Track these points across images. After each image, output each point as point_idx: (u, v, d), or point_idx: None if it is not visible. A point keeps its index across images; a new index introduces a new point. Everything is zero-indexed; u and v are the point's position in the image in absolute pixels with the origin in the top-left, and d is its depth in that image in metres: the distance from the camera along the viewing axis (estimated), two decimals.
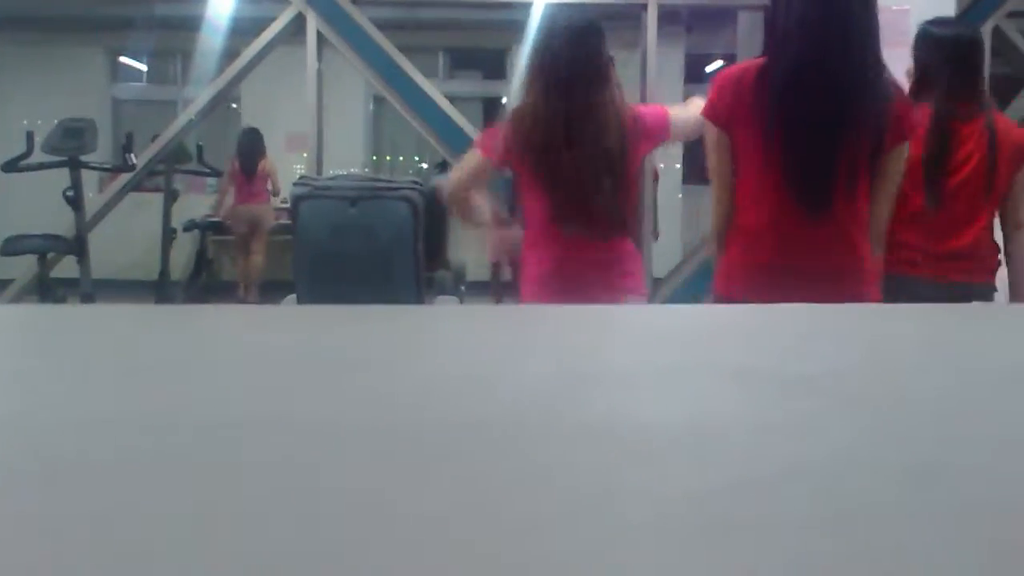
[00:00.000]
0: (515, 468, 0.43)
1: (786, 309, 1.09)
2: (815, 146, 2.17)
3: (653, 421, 0.53)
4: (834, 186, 2.18)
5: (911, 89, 2.74)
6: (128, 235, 8.86)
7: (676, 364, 0.73)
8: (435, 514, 0.37)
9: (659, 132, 2.62)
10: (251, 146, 8.95)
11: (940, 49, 2.84)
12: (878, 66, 2.19)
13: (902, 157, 2.27)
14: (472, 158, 2.66)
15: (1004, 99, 6.79)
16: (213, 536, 0.35)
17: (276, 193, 9.06)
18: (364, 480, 0.41)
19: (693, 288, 5.77)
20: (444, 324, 0.99)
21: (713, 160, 2.30)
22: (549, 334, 0.90)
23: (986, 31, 6.01)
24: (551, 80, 2.53)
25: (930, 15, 5.00)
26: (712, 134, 2.28)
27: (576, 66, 2.53)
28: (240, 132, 9.41)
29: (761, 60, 2.24)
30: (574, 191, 2.50)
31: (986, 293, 2.84)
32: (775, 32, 2.25)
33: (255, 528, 0.35)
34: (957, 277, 2.81)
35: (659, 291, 6.12)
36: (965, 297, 2.69)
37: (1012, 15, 6.11)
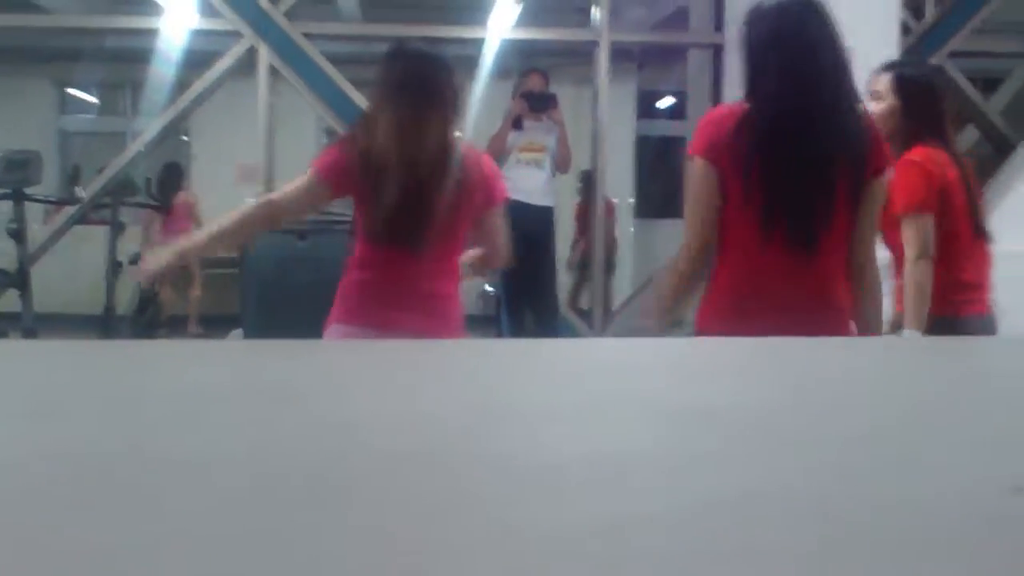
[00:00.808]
0: (429, 501, 0.43)
1: (718, 343, 1.10)
2: (798, 189, 2.21)
3: (564, 455, 0.53)
4: (817, 226, 2.22)
5: (902, 131, 2.80)
6: (73, 269, 8.72)
7: (595, 398, 0.72)
8: (347, 550, 0.36)
9: (490, 194, 2.63)
10: (167, 180, 8.80)
11: (932, 91, 2.93)
12: (854, 103, 2.25)
13: (883, 188, 2.31)
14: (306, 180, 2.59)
15: None
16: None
17: (200, 226, 8.87)
18: (262, 521, 0.40)
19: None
20: (381, 357, 0.98)
21: (697, 192, 2.28)
22: (474, 369, 0.90)
23: None
24: (391, 103, 2.56)
25: (875, 54, 5.13)
26: (699, 167, 2.26)
27: (420, 96, 2.54)
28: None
29: (743, 105, 2.26)
30: (397, 207, 2.50)
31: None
32: (753, 79, 2.28)
33: (166, 564, 0.34)
34: (984, 308, 2.94)
35: (611, 323, 6.14)
36: (990, 326, 2.80)
37: (953, 54, 6.25)
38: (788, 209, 2.21)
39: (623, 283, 7.64)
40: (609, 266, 7.39)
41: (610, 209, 7.35)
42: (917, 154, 2.76)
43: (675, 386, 0.82)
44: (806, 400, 0.74)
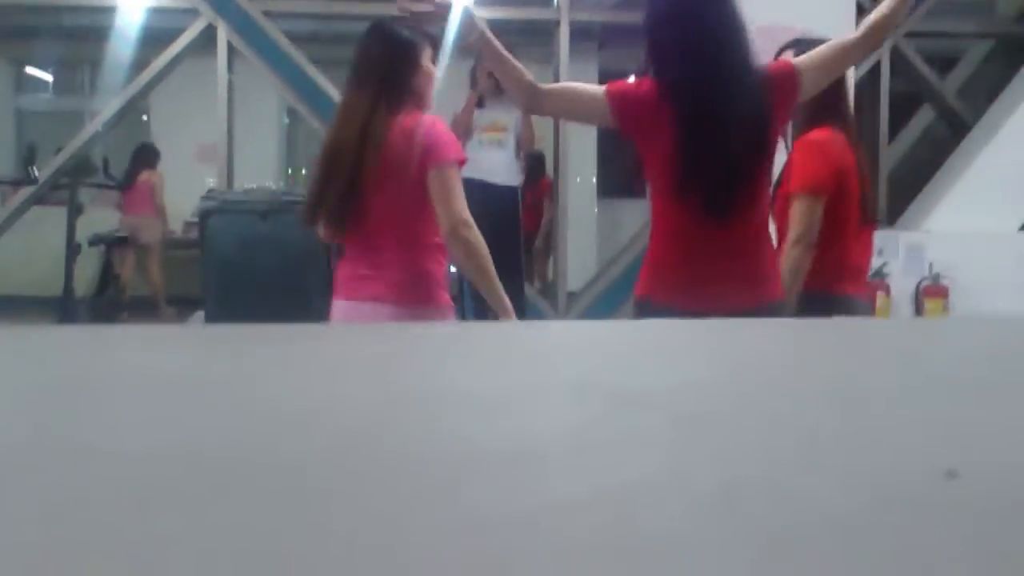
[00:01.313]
0: (338, 496, 0.43)
1: (650, 325, 1.11)
2: (710, 157, 2.28)
3: (477, 443, 0.53)
4: (734, 194, 2.30)
5: (803, 110, 2.81)
6: (31, 250, 8.60)
7: (515, 383, 0.72)
8: (297, 541, 0.37)
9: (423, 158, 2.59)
10: (136, 159, 8.70)
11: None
12: (752, 66, 2.32)
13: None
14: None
15: (904, 115, 7.02)
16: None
17: (159, 209, 8.77)
18: (206, 514, 0.41)
19: (608, 303, 5.83)
20: (340, 342, 0.99)
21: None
22: (391, 354, 0.90)
23: (885, 50, 6.21)
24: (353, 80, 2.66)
25: (831, 35, 5.18)
26: (600, 96, 2.35)
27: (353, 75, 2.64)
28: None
29: (647, 81, 2.34)
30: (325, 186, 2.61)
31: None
32: (653, 54, 2.36)
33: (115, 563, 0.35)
34: (864, 289, 2.98)
35: (574, 305, 6.17)
36: (869, 308, 2.81)
37: (909, 35, 6.32)
38: (699, 178, 2.28)
39: (588, 264, 7.66)
40: (546, 247, 7.29)
41: (545, 188, 7.25)
42: (818, 135, 2.77)
43: (611, 368, 0.82)
44: (737, 382, 0.74)
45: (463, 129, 5.33)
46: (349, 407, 0.62)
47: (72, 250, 7.67)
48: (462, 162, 2.64)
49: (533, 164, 8.19)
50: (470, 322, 2.07)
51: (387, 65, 2.63)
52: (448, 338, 1.11)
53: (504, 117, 5.42)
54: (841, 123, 2.82)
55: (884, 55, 6.21)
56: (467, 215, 2.59)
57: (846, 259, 2.84)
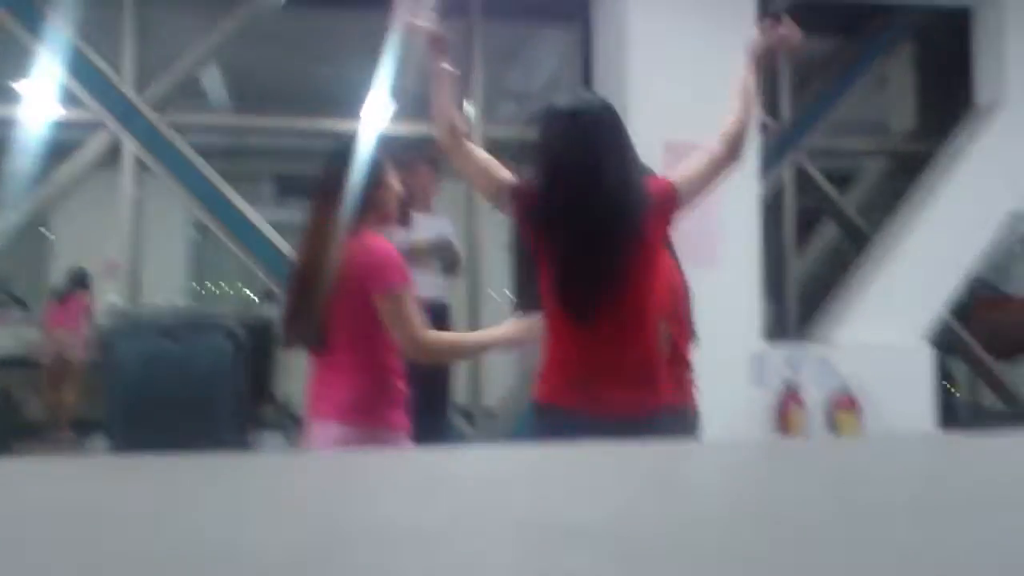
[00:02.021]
0: None
1: (584, 450, 1.09)
2: (581, 264, 2.43)
3: None
4: (604, 299, 2.42)
5: None
6: None
7: (452, 515, 0.70)
8: None
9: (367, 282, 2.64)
10: (70, 280, 8.58)
11: None
12: (635, 180, 2.47)
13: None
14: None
15: (808, 230, 7.22)
16: None
17: (91, 324, 8.62)
18: None
19: (526, 420, 5.74)
20: (240, 474, 0.92)
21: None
22: (321, 485, 0.86)
23: (787, 167, 6.41)
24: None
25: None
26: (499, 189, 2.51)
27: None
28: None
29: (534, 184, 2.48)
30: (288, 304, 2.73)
31: None
32: (540, 164, 2.49)
33: None
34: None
35: (492, 423, 6.08)
36: None
37: (811, 153, 6.54)
38: (570, 283, 2.43)
39: (504, 377, 7.60)
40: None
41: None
42: None
43: (547, 498, 0.79)
44: (671, 511, 0.72)
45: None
46: (267, 546, 0.59)
47: None
48: (406, 283, 2.64)
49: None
50: (403, 449, 2.10)
51: (350, 184, 2.68)
52: (378, 466, 1.05)
53: (430, 238, 5.38)
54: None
55: (787, 171, 6.41)
56: (421, 332, 2.61)
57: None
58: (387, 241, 2.70)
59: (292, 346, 2.72)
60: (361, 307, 2.59)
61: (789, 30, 2.83)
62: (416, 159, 5.59)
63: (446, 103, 2.53)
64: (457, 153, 2.55)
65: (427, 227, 5.37)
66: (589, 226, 2.41)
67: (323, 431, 2.61)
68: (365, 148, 2.79)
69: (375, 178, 2.72)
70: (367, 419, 2.59)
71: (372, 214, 2.68)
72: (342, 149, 2.78)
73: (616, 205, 2.41)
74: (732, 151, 2.63)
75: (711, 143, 2.61)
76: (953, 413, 7.34)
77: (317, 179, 2.74)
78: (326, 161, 2.77)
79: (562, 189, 2.42)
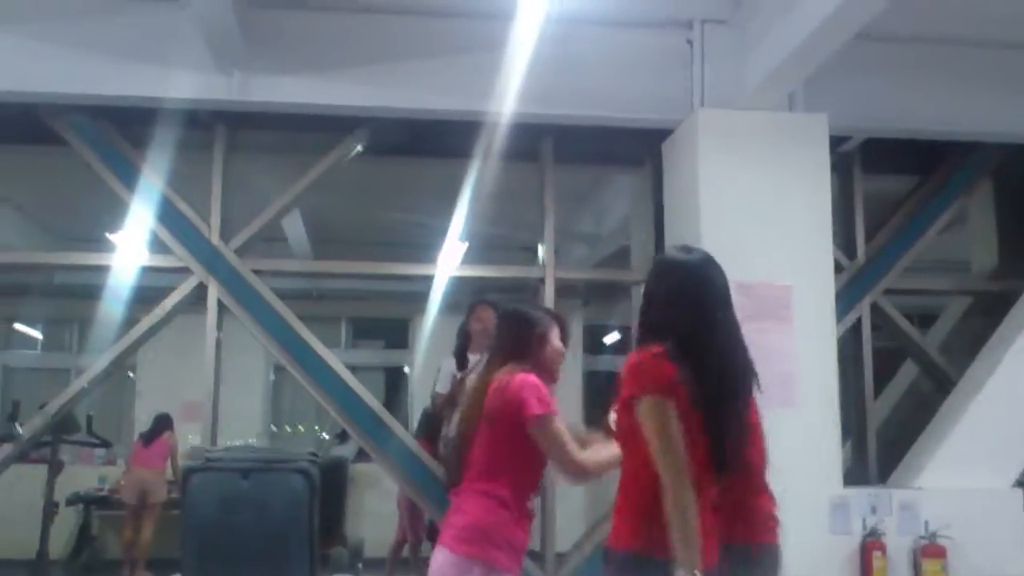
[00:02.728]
0: None
1: None
2: (732, 418, 2.47)
3: None
4: (742, 450, 2.51)
5: None
6: (6, 510, 8.37)
7: None
8: None
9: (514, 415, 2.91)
10: (157, 423, 8.78)
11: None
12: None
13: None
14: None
15: (886, 371, 7.08)
16: None
17: (175, 472, 8.75)
18: None
19: (596, 563, 5.61)
20: None
21: (666, 426, 2.39)
22: None
23: (864, 307, 6.33)
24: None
25: (811, 293, 5.31)
26: (658, 404, 2.40)
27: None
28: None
29: (658, 348, 2.47)
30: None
31: None
32: (669, 325, 2.52)
33: None
34: None
35: (563, 566, 5.95)
36: None
37: (888, 292, 6.46)
38: (727, 440, 2.44)
39: (574, 521, 7.46)
40: None
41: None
42: None
43: None
44: None
45: (442, 405, 5.35)
46: None
47: (49, 510, 7.47)
48: (550, 413, 2.87)
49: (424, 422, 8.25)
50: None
51: (513, 341, 3.05)
52: None
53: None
54: None
55: (865, 311, 6.33)
56: (575, 455, 2.83)
57: None
58: (530, 376, 2.94)
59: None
60: (488, 438, 2.90)
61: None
62: (477, 302, 5.68)
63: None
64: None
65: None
66: (735, 380, 2.50)
67: (441, 556, 2.80)
68: (529, 310, 3.28)
69: (533, 335, 3.13)
70: (473, 551, 2.78)
71: (532, 368, 3.05)
72: (507, 313, 3.25)
73: (746, 357, 2.55)
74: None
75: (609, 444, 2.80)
76: None
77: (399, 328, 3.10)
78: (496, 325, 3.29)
79: (711, 345, 2.48)
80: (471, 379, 5.34)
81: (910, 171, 6.83)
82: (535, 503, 2.95)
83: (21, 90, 5.45)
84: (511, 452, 2.80)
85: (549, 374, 3.01)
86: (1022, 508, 5.58)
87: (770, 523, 2.72)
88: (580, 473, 2.84)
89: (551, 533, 6.02)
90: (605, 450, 2.85)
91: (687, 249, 2.68)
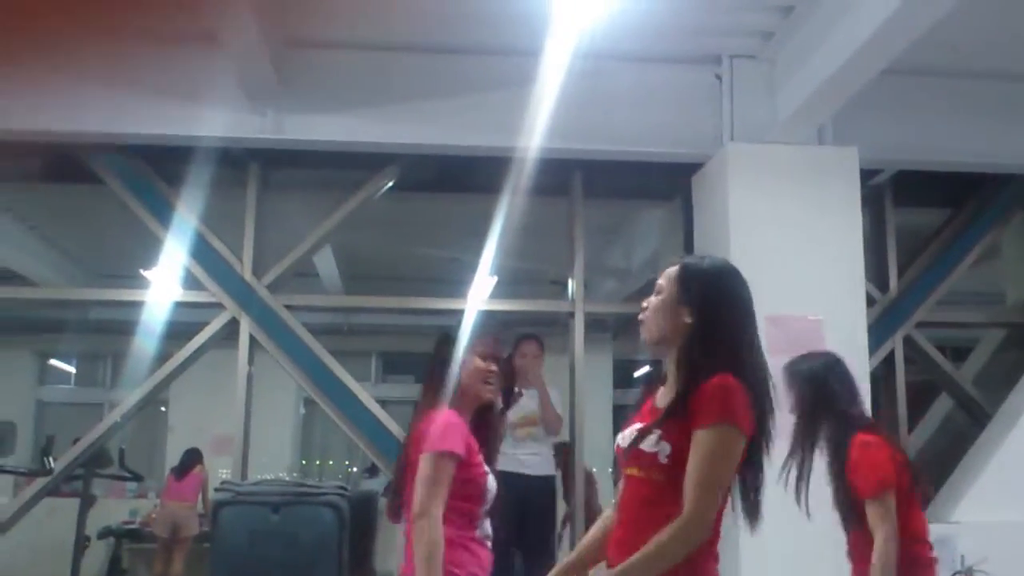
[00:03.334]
0: None
1: None
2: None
3: None
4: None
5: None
6: (38, 543, 8.42)
7: None
8: None
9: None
10: (188, 457, 8.83)
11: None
12: None
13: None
14: None
15: (920, 404, 7.00)
16: None
17: (205, 505, 8.80)
18: None
19: None
20: None
21: (732, 464, 2.17)
22: None
23: (897, 340, 6.28)
24: None
25: (843, 325, 5.27)
26: (740, 442, 2.15)
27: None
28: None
29: (731, 375, 2.17)
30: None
31: None
32: (733, 346, 2.25)
33: None
34: None
35: None
36: None
37: (921, 325, 6.41)
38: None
39: None
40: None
41: (591, 480, 7.26)
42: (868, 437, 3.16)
43: None
44: None
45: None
46: None
47: (81, 543, 7.51)
48: (450, 452, 2.67)
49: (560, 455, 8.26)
50: None
51: (437, 366, 2.88)
52: None
53: (535, 409, 5.44)
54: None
55: (898, 344, 6.28)
56: (435, 508, 2.61)
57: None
58: (453, 413, 2.77)
59: (392, 518, 2.80)
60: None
61: None
62: (522, 336, 5.69)
63: None
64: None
65: (528, 402, 5.42)
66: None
67: None
68: (452, 332, 2.95)
69: (452, 358, 2.85)
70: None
71: (449, 392, 2.82)
72: (448, 333, 2.94)
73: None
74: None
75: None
76: None
77: (426, 362, 2.92)
78: (434, 345, 2.93)
79: (759, 366, 2.25)
80: (509, 414, 5.41)
81: (942, 204, 6.80)
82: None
83: (59, 130, 5.55)
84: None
85: (474, 397, 2.85)
86: None
87: None
88: (421, 519, 2.60)
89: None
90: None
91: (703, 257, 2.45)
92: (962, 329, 7.64)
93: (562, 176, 6.13)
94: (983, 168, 6.21)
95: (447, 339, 2.90)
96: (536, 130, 5.36)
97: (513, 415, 5.41)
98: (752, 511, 2.20)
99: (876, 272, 6.31)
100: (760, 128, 5.55)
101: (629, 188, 6.54)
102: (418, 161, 6.03)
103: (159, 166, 5.99)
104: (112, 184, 5.97)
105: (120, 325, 8.10)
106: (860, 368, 5.34)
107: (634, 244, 8.67)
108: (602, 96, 5.56)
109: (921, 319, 6.37)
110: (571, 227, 6.23)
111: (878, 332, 5.92)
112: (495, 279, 7.88)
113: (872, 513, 2.94)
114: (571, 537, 6.37)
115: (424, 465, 2.62)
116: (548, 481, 5.45)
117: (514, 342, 5.69)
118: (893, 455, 3.04)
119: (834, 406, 3.12)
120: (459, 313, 6.53)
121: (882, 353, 6.16)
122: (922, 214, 6.94)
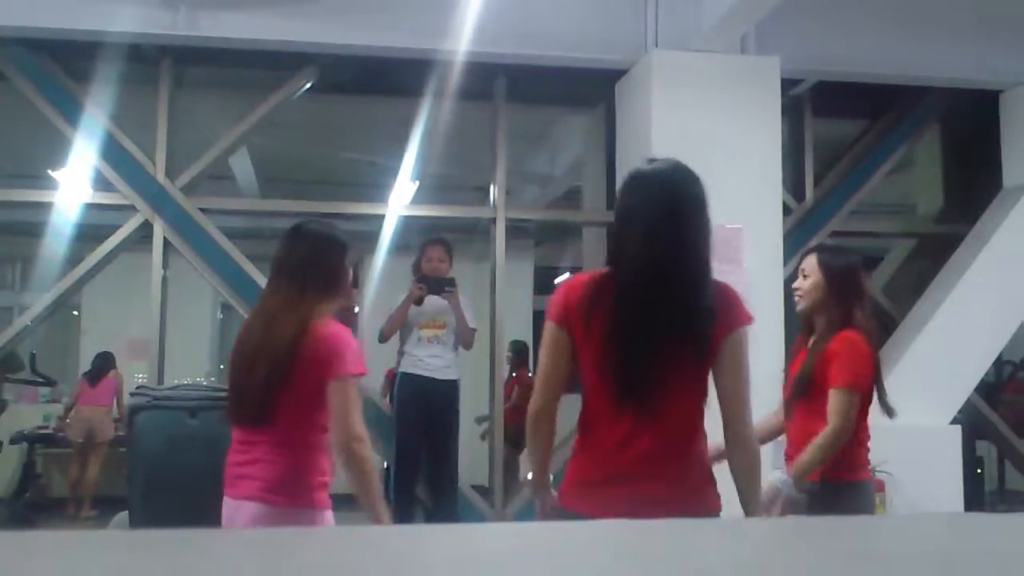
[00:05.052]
0: None
1: (603, 527, 1.06)
2: (639, 346, 2.23)
3: None
4: (656, 389, 2.23)
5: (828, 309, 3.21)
6: None
7: None
8: None
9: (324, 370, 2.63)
10: (102, 361, 8.65)
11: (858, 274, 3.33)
12: (708, 270, 2.31)
13: (740, 343, 2.33)
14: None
15: None
16: None
17: (120, 409, 8.67)
18: None
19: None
20: (256, 550, 0.91)
21: (545, 355, 2.34)
22: (342, 560, 0.84)
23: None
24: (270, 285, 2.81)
25: (759, 233, 5.35)
26: (551, 332, 2.31)
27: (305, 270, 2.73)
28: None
29: (603, 270, 2.33)
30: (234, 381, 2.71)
31: None
32: (619, 240, 2.34)
33: None
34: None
35: (513, 500, 6.03)
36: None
37: (834, 234, 6.54)
38: (630, 373, 2.22)
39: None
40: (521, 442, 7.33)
41: (530, 383, 7.36)
42: (853, 335, 3.09)
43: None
44: None
45: (397, 324, 5.40)
46: None
47: None
48: (361, 375, 2.67)
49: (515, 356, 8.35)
50: (418, 525, 2.06)
51: (306, 264, 2.72)
52: (386, 542, 1.04)
53: (443, 314, 5.44)
54: (860, 327, 3.14)
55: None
56: (361, 430, 2.61)
57: (863, 447, 3.16)
58: (347, 328, 2.72)
59: (235, 422, 2.69)
60: (306, 390, 2.60)
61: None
62: (429, 240, 5.67)
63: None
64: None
65: (438, 303, 5.42)
66: (656, 302, 2.24)
67: (241, 510, 2.62)
68: (325, 229, 2.85)
69: (329, 259, 2.77)
70: (292, 499, 2.60)
71: (327, 294, 2.72)
72: (296, 230, 2.82)
73: (690, 289, 2.26)
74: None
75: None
76: (980, 495, 7.20)
77: (275, 259, 2.77)
78: (280, 242, 2.80)
79: (637, 257, 2.25)
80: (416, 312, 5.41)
81: (860, 115, 6.89)
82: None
83: None
84: (322, 402, 2.65)
85: (341, 298, 2.79)
86: (959, 445, 5.74)
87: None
88: (357, 443, 2.59)
89: (497, 467, 6.09)
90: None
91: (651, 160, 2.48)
92: (874, 239, 7.82)
93: (485, 80, 6.05)
94: (901, 80, 6.30)
95: (303, 235, 2.83)
96: (460, 33, 5.26)
97: (420, 315, 5.42)
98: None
99: (793, 182, 6.40)
100: (684, 36, 5.53)
101: (553, 94, 6.50)
102: (338, 62, 5.89)
103: (66, 62, 5.76)
104: (16, 80, 5.72)
105: (29, 227, 7.87)
106: (775, 276, 5.46)
107: (557, 150, 8.64)
108: (527, 0, 5.48)
109: (835, 228, 6.49)
110: (494, 133, 6.18)
111: (794, 240, 6.02)
112: (417, 184, 7.81)
113: (835, 401, 2.99)
114: (490, 432, 6.45)
115: (347, 389, 2.60)
116: (451, 385, 5.49)
117: (420, 246, 5.66)
118: (874, 360, 3.13)
119: (850, 299, 3.16)
120: (380, 218, 6.47)
121: (796, 262, 6.28)
122: (840, 125, 7.03)
